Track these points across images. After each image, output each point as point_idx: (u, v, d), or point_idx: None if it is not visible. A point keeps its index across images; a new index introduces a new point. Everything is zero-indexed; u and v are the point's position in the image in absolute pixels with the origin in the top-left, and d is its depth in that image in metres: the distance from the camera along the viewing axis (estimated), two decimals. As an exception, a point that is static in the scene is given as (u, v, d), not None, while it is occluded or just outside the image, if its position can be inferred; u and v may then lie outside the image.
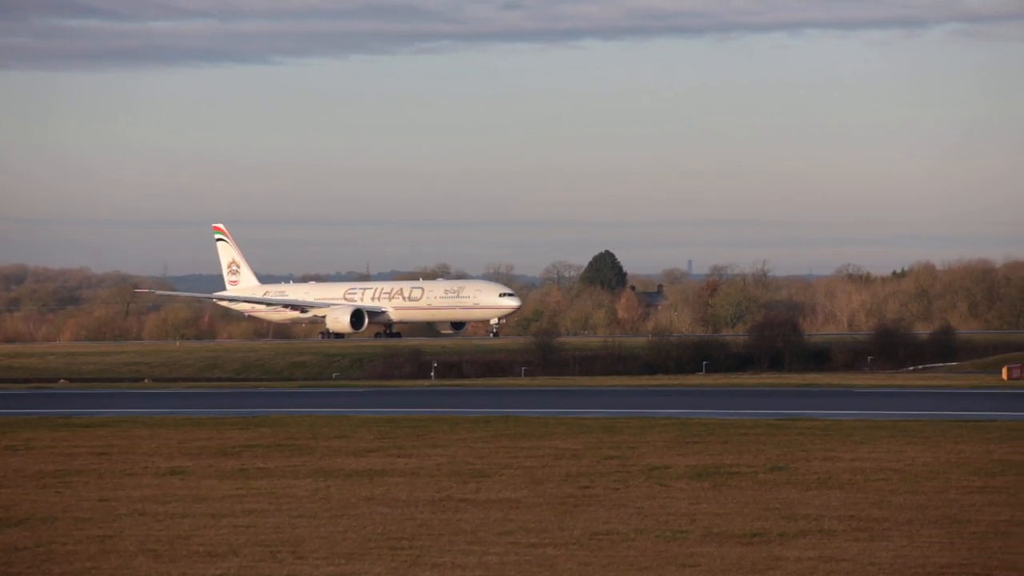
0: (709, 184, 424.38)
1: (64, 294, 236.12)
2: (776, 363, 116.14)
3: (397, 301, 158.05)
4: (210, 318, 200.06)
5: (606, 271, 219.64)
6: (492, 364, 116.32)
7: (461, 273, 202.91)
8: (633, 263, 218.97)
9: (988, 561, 26.28)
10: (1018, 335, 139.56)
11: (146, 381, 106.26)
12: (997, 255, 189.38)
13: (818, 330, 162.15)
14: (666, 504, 33.15)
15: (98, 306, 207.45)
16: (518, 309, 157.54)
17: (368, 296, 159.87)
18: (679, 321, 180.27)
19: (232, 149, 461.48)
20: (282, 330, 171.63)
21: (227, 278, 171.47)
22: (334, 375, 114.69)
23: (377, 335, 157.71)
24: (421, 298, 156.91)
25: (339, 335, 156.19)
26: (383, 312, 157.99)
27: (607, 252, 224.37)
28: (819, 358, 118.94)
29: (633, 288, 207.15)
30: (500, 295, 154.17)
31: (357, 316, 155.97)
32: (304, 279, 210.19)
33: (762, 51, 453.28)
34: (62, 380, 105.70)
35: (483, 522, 30.79)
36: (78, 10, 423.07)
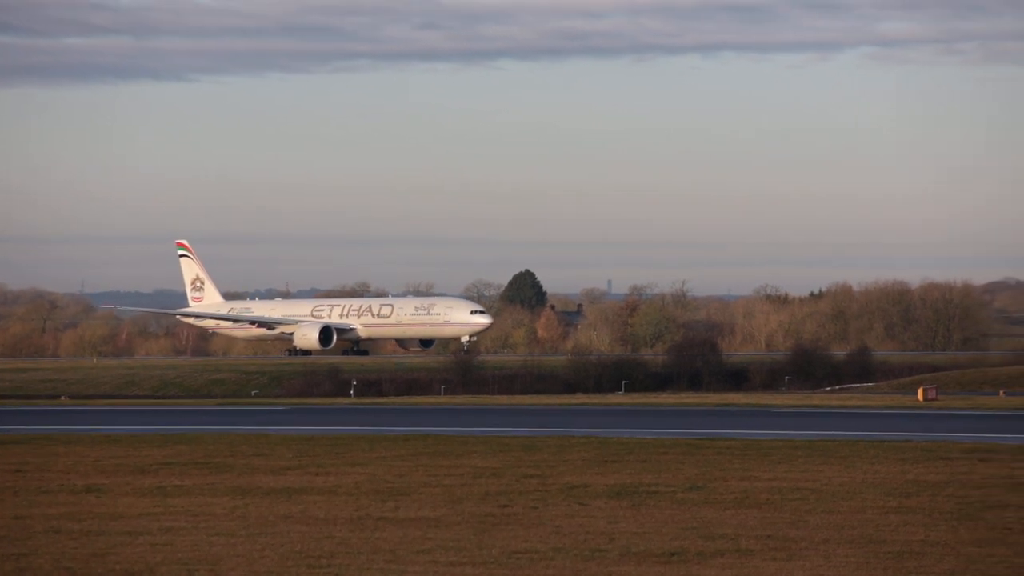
0: (628, 204, 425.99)
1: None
2: (695, 383, 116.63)
3: (366, 318, 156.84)
4: (128, 335, 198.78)
5: (526, 290, 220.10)
6: (411, 382, 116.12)
7: (381, 291, 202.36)
8: (553, 282, 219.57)
9: (903, 580, 26.51)
10: (933, 356, 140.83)
11: (63, 398, 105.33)
12: (913, 277, 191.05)
13: (736, 350, 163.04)
14: (585, 523, 33.23)
15: (14, 322, 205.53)
16: (489, 327, 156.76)
17: (336, 313, 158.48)
18: (599, 340, 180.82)
19: (147, 165, 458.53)
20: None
21: (190, 294, 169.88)
22: (253, 392, 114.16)
23: (344, 352, 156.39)
24: (391, 315, 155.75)
25: (306, 352, 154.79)
26: (352, 329, 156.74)
27: (527, 271, 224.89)
28: (737, 378, 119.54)
29: (553, 307, 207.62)
30: (471, 312, 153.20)
31: (326, 333, 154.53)
32: (227, 296, 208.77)
33: (677, 73, 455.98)
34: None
35: (402, 540, 30.76)
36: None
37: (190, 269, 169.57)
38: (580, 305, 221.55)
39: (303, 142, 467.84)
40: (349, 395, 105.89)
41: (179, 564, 28.04)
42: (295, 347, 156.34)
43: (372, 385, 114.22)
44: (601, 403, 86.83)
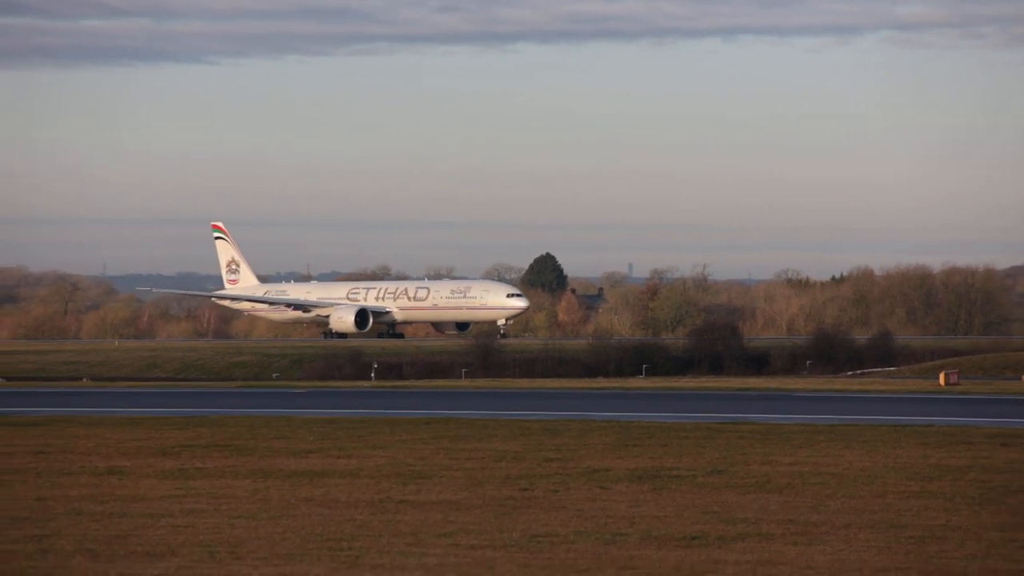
0: (648, 188, 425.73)
1: (1, 293, 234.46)
2: (716, 367, 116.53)
3: (402, 301, 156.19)
4: (149, 317, 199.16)
5: (547, 273, 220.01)
6: (433, 366, 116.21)
7: (402, 274, 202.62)
8: (574, 266, 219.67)
9: (924, 565, 26.48)
10: (955, 341, 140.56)
11: (84, 380, 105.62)
12: (935, 261, 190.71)
13: (757, 334, 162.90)
14: (606, 507, 33.23)
15: (36, 305, 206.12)
16: (526, 310, 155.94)
17: (372, 296, 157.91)
18: (619, 324, 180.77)
19: (169, 148, 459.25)
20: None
21: (226, 277, 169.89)
22: (274, 375, 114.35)
23: (380, 335, 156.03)
24: (427, 298, 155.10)
25: (342, 335, 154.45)
26: (388, 312, 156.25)
27: (548, 255, 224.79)
28: (758, 362, 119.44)
29: (574, 291, 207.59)
30: (508, 295, 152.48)
31: (362, 316, 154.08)
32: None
33: (696, 56, 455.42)
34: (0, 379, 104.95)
35: (423, 523, 30.79)
36: (8, 7, 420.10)
37: (225, 252, 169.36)
38: (601, 289, 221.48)
39: (321, 125, 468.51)
40: (370, 378, 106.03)
41: (200, 546, 28.11)
42: (331, 330, 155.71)
43: (393, 368, 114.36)
44: (622, 387, 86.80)
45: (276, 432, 51.68)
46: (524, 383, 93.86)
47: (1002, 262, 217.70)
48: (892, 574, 25.68)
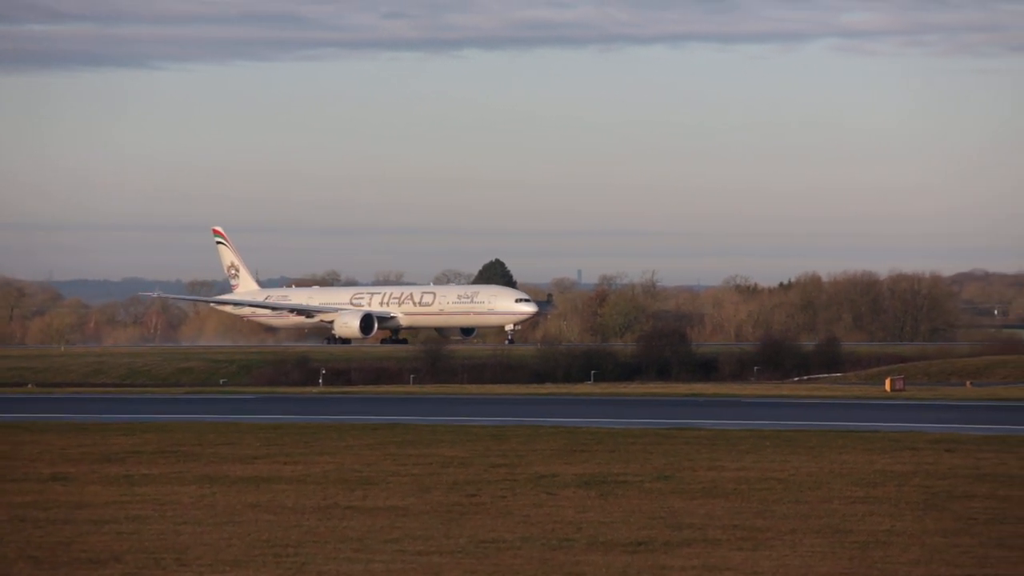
0: (598, 193, 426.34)
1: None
2: (664, 373, 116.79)
3: (407, 306, 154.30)
4: (96, 323, 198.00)
5: (496, 279, 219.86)
6: (380, 371, 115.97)
7: (351, 280, 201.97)
8: (523, 272, 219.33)
9: (869, 571, 26.61)
10: (901, 347, 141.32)
11: (29, 386, 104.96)
12: (882, 267, 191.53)
13: (705, 340, 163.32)
14: (552, 512, 33.25)
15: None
16: (535, 315, 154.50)
17: (376, 301, 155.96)
18: (568, 330, 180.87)
19: (107, 153, 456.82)
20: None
21: (230, 282, 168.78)
22: (221, 381, 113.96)
23: (383, 341, 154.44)
24: (433, 303, 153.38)
25: (346, 340, 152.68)
26: (392, 317, 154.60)
27: (497, 260, 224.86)
28: (706, 368, 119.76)
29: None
30: (516, 300, 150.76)
31: (367, 321, 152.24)
32: (192, 285, 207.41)
33: (643, 63, 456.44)
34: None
35: (369, 530, 30.73)
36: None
37: (226, 256, 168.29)
38: (550, 295, 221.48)
39: (268, 130, 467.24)
40: (318, 384, 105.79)
41: (146, 553, 27.97)
42: (334, 335, 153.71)
43: (341, 374, 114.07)
44: (570, 393, 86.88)
45: (223, 438, 51.49)
46: (472, 389, 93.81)
47: (948, 269, 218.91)
48: (837, 579, 25.80)
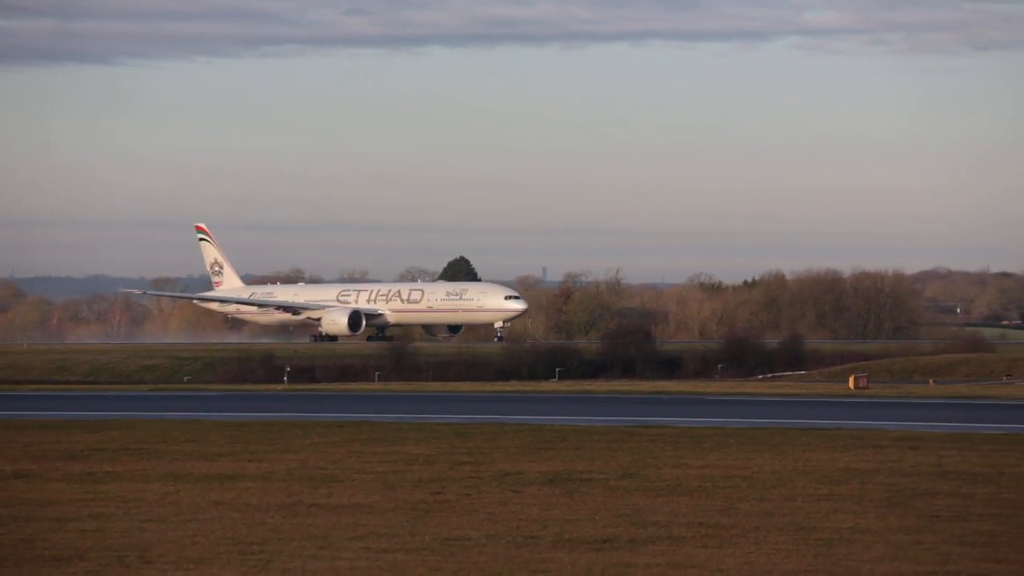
0: (562, 191, 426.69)
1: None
2: (628, 370, 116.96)
3: (395, 303, 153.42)
4: (59, 320, 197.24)
5: (461, 277, 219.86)
6: (345, 369, 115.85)
7: (315, 277, 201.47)
8: (488, 269, 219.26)
9: (832, 568, 26.71)
10: (864, 345, 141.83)
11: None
12: (845, 265, 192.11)
13: (670, 338, 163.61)
14: (517, 510, 33.28)
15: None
16: (524, 312, 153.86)
17: (363, 298, 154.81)
18: (533, 327, 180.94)
19: (76, 149, 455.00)
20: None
21: (212, 279, 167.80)
22: (185, 378, 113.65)
23: (369, 338, 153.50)
24: (421, 300, 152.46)
25: (332, 338, 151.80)
26: (380, 315, 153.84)
27: (462, 258, 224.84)
28: (670, 366, 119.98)
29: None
30: (506, 297, 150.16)
31: (355, 318, 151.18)
32: (156, 283, 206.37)
33: (605, 60, 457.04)
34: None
35: (334, 527, 30.71)
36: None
37: (209, 253, 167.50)
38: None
39: (230, 126, 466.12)
40: (283, 381, 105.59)
41: (109, 551, 27.89)
42: (321, 332, 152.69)
43: (306, 371, 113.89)
44: (535, 390, 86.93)
45: (187, 435, 51.36)
46: (437, 386, 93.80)
47: (911, 267, 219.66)
48: (801, 576, 25.89)
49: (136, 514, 32.59)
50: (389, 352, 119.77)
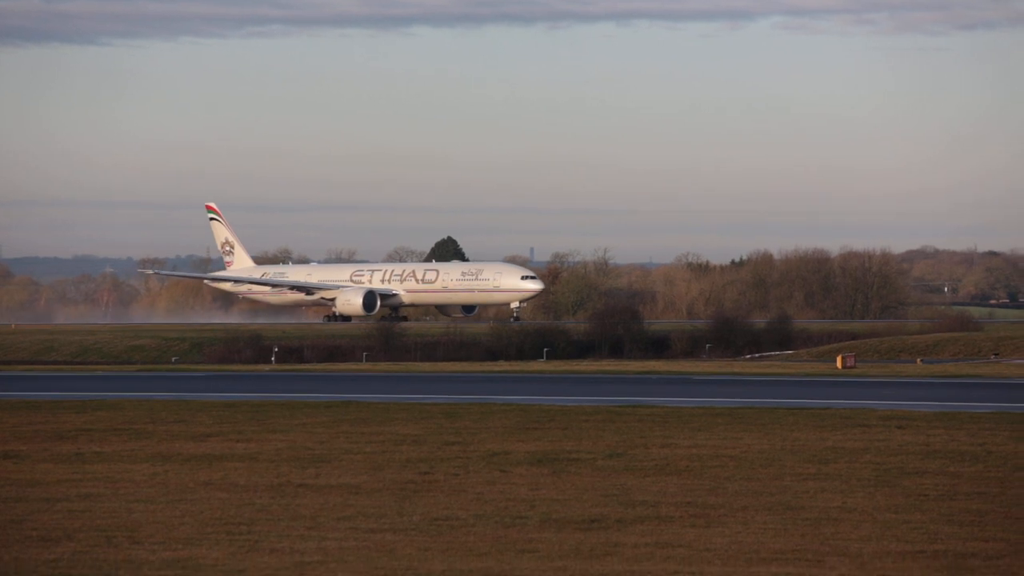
0: (550, 171, 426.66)
1: None
2: (616, 350, 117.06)
3: (409, 283, 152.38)
4: (47, 301, 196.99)
5: (448, 257, 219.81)
6: (333, 349, 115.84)
7: (303, 258, 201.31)
8: (475, 249, 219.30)
9: (820, 547, 26.76)
10: (852, 324, 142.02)
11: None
12: (833, 245, 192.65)
13: (658, 318, 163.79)
14: (506, 490, 33.32)
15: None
16: (540, 292, 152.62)
17: (377, 278, 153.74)
18: (521, 308, 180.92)
19: (63, 129, 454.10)
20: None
21: (224, 259, 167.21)
22: (173, 359, 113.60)
23: (383, 319, 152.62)
24: (436, 280, 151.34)
25: (347, 318, 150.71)
26: (395, 295, 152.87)
27: (449, 238, 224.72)
28: (658, 346, 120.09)
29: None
30: (522, 277, 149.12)
31: (370, 298, 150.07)
32: (144, 263, 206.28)
33: (591, 40, 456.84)
34: None
35: (322, 507, 30.73)
36: None
37: (220, 233, 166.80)
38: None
39: (216, 107, 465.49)
40: (271, 362, 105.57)
41: (97, 531, 27.89)
42: (335, 312, 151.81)
43: (294, 352, 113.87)
44: (522, 371, 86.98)
45: (175, 416, 51.35)
46: (425, 366, 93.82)
47: (898, 246, 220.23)
48: (788, 555, 25.94)
49: (124, 494, 32.59)
50: (377, 332, 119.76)
